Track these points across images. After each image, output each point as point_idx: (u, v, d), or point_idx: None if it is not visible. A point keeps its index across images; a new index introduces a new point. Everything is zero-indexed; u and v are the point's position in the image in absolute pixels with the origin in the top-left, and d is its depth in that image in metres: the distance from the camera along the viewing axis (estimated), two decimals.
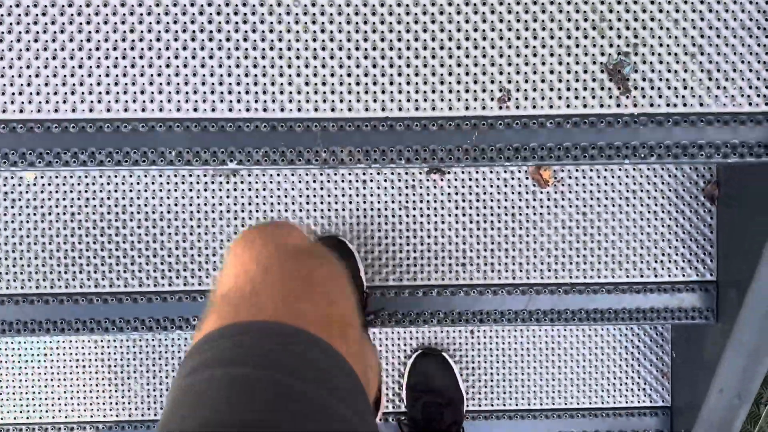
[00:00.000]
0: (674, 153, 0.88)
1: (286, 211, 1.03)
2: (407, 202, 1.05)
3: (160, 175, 1.03)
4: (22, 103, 0.84)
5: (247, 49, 0.85)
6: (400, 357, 1.16)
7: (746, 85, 0.88)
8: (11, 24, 0.84)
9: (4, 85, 0.84)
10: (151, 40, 0.85)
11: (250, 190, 1.03)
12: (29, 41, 0.84)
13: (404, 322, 1.04)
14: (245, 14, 0.85)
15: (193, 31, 0.85)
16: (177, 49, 0.85)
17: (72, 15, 0.84)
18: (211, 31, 0.85)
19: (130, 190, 1.03)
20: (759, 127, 0.88)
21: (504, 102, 0.87)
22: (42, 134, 0.85)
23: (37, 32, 0.84)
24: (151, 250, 1.03)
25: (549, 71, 0.87)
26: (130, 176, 1.03)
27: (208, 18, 0.85)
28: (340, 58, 0.86)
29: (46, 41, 0.84)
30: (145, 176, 1.03)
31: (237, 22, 0.85)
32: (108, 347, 1.11)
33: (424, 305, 1.04)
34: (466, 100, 0.87)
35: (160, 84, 0.85)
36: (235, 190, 1.03)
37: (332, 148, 0.87)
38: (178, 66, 0.85)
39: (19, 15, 0.84)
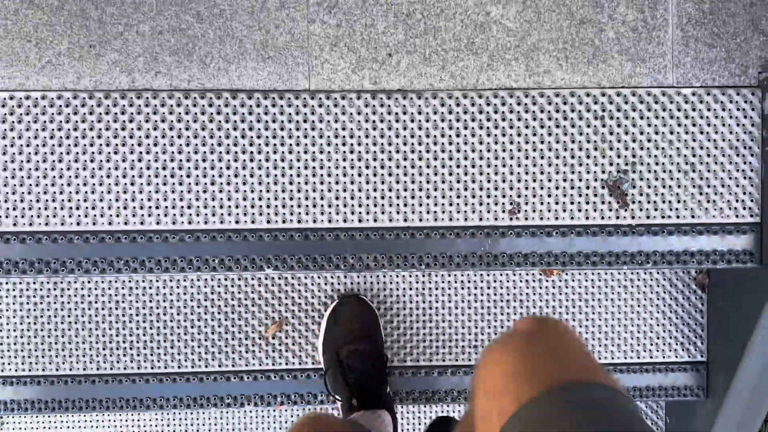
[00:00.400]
0: (668, 260, 0.97)
1: (312, 297, 1.12)
2: (423, 289, 1.14)
3: None
4: (79, 216, 0.93)
5: (284, 168, 0.95)
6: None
7: (733, 199, 0.97)
8: (70, 147, 0.93)
9: (63, 200, 0.93)
10: (197, 160, 0.94)
11: (280, 278, 1.12)
12: (86, 161, 0.93)
13: (421, 400, 1.13)
14: (282, 137, 0.94)
15: (236, 152, 0.94)
16: (221, 168, 0.94)
17: (125, 137, 0.94)
18: (251, 152, 0.94)
19: (170, 280, 1.12)
20: (744, 236, 0.97)
21: (514, 214, 0.96)
22: (96, 245, 0.94)
23: (93, 153, 0.93)
24: (189, 335, 1.12)
25: (555, 187, 0.96)
26: None
27: (250, 140, 0.94)
28: (367, 175, 0.95)
29: (101, 161, 0.93)
30: None
31: (275, 144, 0.94)
32: (150, 423, 1.20)
33: (439, 384, 1.13)
34: (480, 212, 0.96)
35: (205, 200, 0.94)
36: (266, 278, 1.12)
37: (359, 254, 0.96)
38: (221, 183, 0.94)
39: (76, 138, 0.93)
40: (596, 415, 0.40)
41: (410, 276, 1.13)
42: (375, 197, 0.96)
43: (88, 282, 1.11)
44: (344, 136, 0.95)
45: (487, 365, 0.49)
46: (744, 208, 0.97)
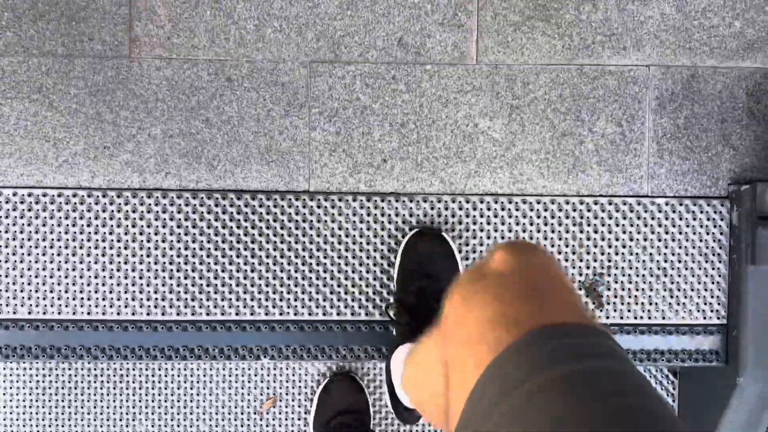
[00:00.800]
0: (640, 357, 1.04)
1: (306, 375, 1.19)
2: None
3: None
4: (89, 306, 1.00)
5: (282, 264, 1.01)
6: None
7: (702, 302, 1.04)
8: (83, 241, 1.00)
9: (75, 291, 1.00)
10: (202, 256, 1.00)
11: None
12: (98, 255, 1.00)
13: None
14: (282, 235, 1.01)
15: (238, 249, 1.01)
16: (224, 263, 1.01)
17: (135, 234, 1.00)
18: (253, 249, 1.01)
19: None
20: (711, 337, 1.04)
21: None
22: (104, 333, 1.00)
23: (104, 247, 1.00)
24: (188, 408, 1.18)
25: None
26: None
27: (252, 238, 1.01)
28: (361, 272, 1.02)
29: (112, 255, 1.00)
30: None
31: (276, 242, 1.01)
32: None
33: None
34: None
35: (208, 293, 1.01)
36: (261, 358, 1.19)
37: (350, 345, 1.03)
38: (224, 278, 1.01)
39: (89, 233, 1.00)
40: (582, 361, 0.35)
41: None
42: (367, 293, 1.02)
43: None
44: (340, 236, 1.02)
45: (458, 310, 0.44)
46: (711, 311, 1.04)
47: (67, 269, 0.99)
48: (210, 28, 1.00)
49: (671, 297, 1.04)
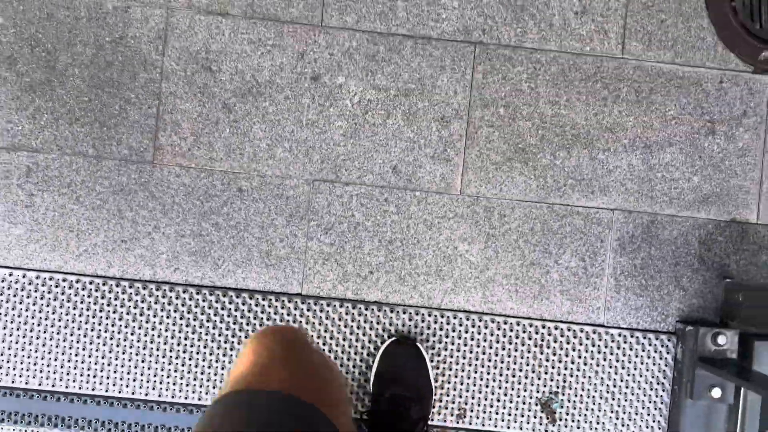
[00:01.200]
0: None
1: None
2: None
3: None
4: (94, 383, 1.11)
5: None
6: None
7: (644, 425, 1.15)
8: (94, 324, 1.11)
9: (83, 369, 1.10)
10: (199, 346, 1.12)
11: None
12: (107, 338, 1.11)
13: None
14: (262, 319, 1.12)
15: (233, 342, 1.12)
16: (219, 354, 1.12)
17: (142, 321, 1.11)
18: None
19: None
20: None
21: (461, 418, 1.14)
22: (106, 408, 1.11)
23: (113, 332, 1.11)
24: None
25: (496, 399, 1.14)
26: None
27: (246, 333, 1.12)
28: (341, 371, 1.13)
29: (119, 339, 1.11)
30: None
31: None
32: None
33: None
34: (432, 413, 1.14)
35: (201, 380, 1.12)
36: None
37: None
38: (217, 367, 1.12)
39: (101, 318, 1.11)
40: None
41: None
42: (346, 377, 1.13)
43: None
44: (325, 337, 1.13)
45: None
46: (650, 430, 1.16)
47: (78, 348, 1.10)
48: (227, 144, 1.12)
49: (617, 418, 1.15)
